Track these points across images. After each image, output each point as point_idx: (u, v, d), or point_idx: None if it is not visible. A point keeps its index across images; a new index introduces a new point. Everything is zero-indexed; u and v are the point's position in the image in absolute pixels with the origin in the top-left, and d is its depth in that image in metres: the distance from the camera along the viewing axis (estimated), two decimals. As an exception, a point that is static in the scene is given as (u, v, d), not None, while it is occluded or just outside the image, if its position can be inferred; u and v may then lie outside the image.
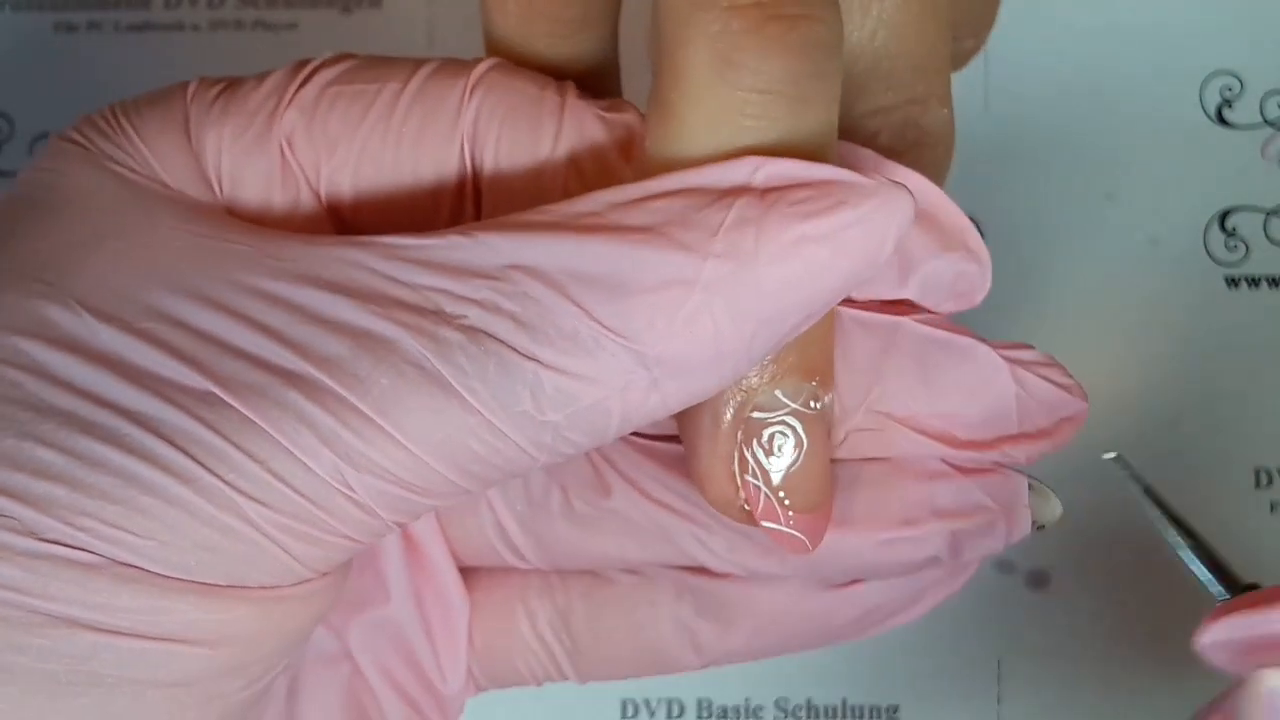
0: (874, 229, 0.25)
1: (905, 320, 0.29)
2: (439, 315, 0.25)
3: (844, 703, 0.39)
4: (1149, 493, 0.28)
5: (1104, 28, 0.40)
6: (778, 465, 0.27)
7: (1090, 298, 0.40)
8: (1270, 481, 0.39)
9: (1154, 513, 0.28)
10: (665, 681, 0.39)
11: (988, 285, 0.29)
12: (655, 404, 0.25)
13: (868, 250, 0.25)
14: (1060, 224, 0.40)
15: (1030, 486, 0.30)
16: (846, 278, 0.25)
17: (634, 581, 0.31)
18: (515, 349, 0.24)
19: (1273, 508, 0.39)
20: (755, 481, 0.27)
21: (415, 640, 0.31)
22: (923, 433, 0.29)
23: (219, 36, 0.41)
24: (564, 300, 0.24)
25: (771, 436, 0.27)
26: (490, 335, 0.24)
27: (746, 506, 0.27)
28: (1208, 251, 0.40)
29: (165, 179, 0.28)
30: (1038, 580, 0.39)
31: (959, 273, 0.28)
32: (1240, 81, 0.40)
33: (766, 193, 0.25)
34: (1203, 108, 0.40)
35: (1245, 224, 0.40)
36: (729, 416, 0.27)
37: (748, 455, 0.27)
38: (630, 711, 0.39)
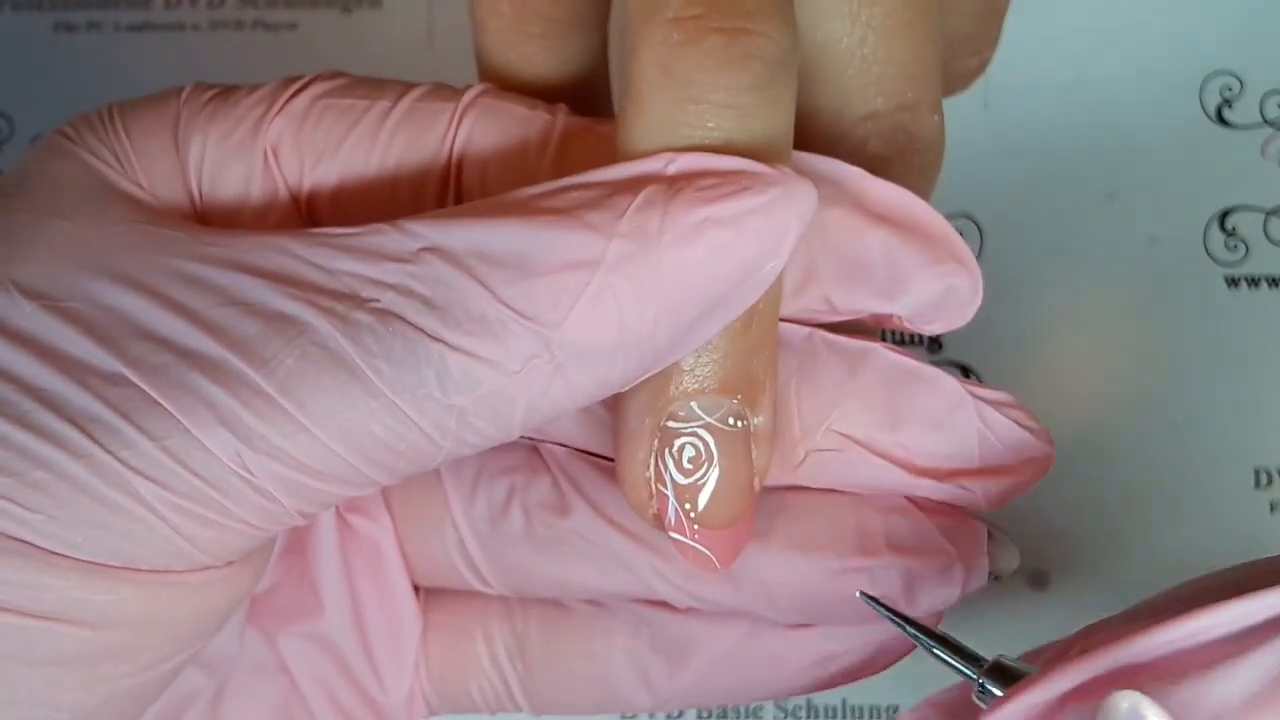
0: (776, 217, 0.25)
1: (876, 346, 0.29)
2: (354, 299, 0.25)
3: (844, 703, 0.39)
4: (892, 615, 0.28)
5: (1104, 28, 0.40)
6: (686, 478, 0.27)
7: (1090, 298, 0.40)
8: (1270, 481, 0.39)
9: (905, 629, 0.28)
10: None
11: (978, 301, 0.29)
12: (560, 392, 0.25)
13: (769, 237, 0.25)
14: (1060, 224, 0.40)
15: (990, 535, 0.30)
16: (747, 264, 0.25)
17: (592, 612, 0.31)
18: (423, 330, 0.25)
19: (1273, 508, 0.39)
20: (666, 492, 0.27)
21: (352, 651, 0.31)
22: (883, 457, 0.29)
23: (219, 36, 0.41)
24: (472, 281, 0.25)
25: (682, 448, 0.27)
26: (399, 317, 0.25)
27: (657, 514, 0.27)
28: (1208, 251, 0.40)
29: (141, 177, 0.28)
30: (1038, 580, 0.39)
31: (949, 287, 0.28)
32: (1240, 81, 0.40)
33: (675, 179, 0.25)
34: (1203, 108, 0.40)
35: (1245, 224, 0.40)
36: (646, 420, 0.27)
37: (660, 464, 0.27)
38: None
